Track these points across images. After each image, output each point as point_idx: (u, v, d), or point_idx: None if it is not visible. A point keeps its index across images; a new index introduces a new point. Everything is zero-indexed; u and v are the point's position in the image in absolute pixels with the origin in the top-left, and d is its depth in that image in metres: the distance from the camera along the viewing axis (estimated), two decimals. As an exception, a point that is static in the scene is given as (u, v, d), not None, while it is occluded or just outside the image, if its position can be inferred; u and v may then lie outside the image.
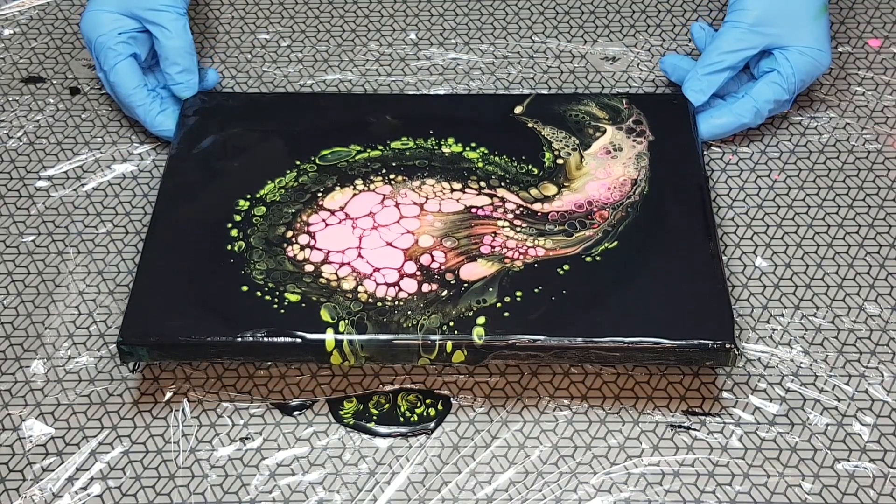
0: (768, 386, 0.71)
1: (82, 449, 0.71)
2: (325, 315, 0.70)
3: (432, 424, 0.71)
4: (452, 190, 0.77)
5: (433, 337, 0.69)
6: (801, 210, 0.79)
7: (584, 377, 0.72)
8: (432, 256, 0.73)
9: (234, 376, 0.73)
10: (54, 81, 0.90)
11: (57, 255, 0.80)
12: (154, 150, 0.85)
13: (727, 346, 0.68)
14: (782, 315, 0.74)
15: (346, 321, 0.70)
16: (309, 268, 0.73)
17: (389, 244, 0.74)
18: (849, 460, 0.68)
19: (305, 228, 0.75)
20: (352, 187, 0.77)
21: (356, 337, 0.69)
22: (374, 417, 0.71)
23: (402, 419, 0.71)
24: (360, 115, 0.82)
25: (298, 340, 0.69)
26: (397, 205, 0.76)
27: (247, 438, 0.71)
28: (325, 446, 0.70)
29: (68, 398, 0.73)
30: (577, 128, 0.81)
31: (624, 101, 0.82)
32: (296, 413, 0.72)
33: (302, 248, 0.74)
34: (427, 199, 0.77)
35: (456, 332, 0.69)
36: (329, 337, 0.69)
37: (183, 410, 0.72)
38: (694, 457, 0.69)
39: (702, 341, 0.68)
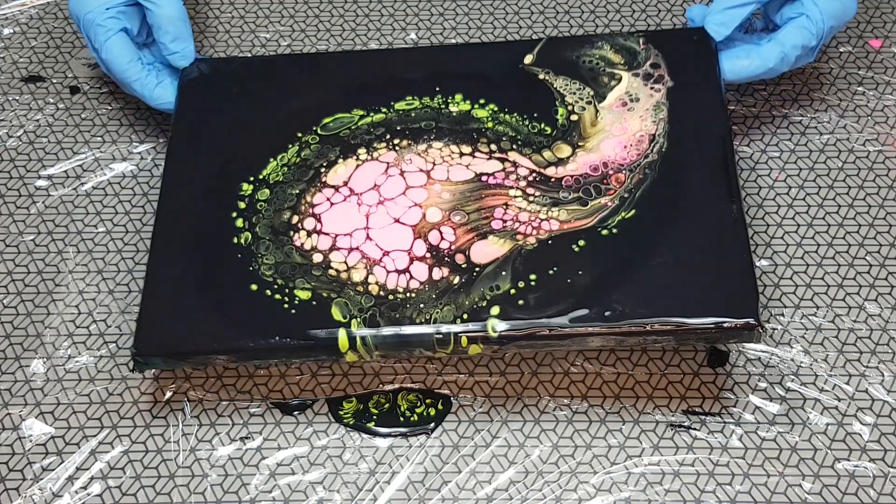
0: (768, 385, 0.71)
1: (82, 448, 0.71)
2: (336, 313, 0.69)
3: (432, 424, 0.71)
4: (462, 154, 0.75)
5: (447, 331, 0.67)
6: (801, 210, 0.79)
7: (584, 377, 0.72)
8: (441, 234, 0.71)
9: (234, 376, 0.73)
10: (54, 81, 0.90)
11: (57, 254, 0.80)
12: (154, 150, 0.85)
13: (751, 323, 0.65)
14: (782, 315, 0.74)
15: (358, 319, 0.68)
16: (317, 257, 0.71)
17: (397, 220, 0.72)
18: (849, 460, 0.68)
19: (310, 211, 0.73)
20: (355, 157, 0.75)
21: (370, 336, 0.67)
22: (374, 417, 0.71)
23: (402, 419, 0.71)
24: (363, 74, 0.79)
25: (312, 342, 0.68)
26: (402, 173, 0.74)
27: (247, 438, 0.71)
28: (325, 446, 0.70)
29: (68, 398, 0.73)
30: (591, 76, 0.77)
31: (641, 42, 0.78)
32: (296, 413, 0.72)
33: (309, 234, 0.72)
34: (434, 164, 0.74)
35: (470, 325, 0.67)
36: (342, 336, 0.68)
37: (183, 410, 0.72)
38: (694, 456, 0.69)
39: (724, 320, 0.65)
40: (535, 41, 0.80)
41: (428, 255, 0.71)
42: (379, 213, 0.73)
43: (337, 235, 0.72)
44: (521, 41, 0.81)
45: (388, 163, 0.75)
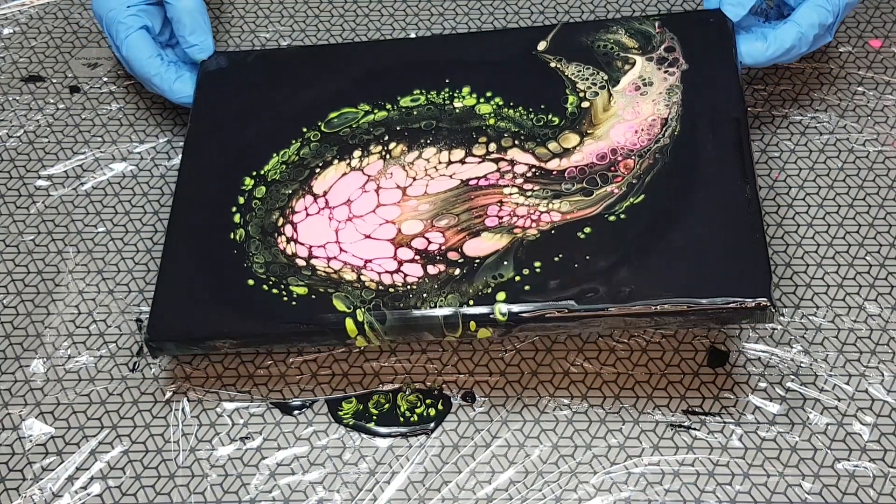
0: (768, 385, 0.71)
1: (82, 448, 0.71)
2: (339, 305, 0.68)
3: (432, 424, 0.71)
4: (450, 163, 0.73)
5: (453, 312, 0.66)
6: (800, 209, 0.79)
7: (584, 377, 0.72)
8: (427, 239, 0.70)
9: (234, 376, 0.73)
10: (54, 80, 0.90)
11: (57, 254, 0.80)
12: (154, 150, 0.85)
13: (763, 304, 0.64)
14: (782, 315, 0.74)
15: (363, 309, 0.68)
16: (300, 262, 0.71)
17: (368, 236, 0.71)
18: (849, 460, 0.68)
19: (291, 217, 0.73)
20: (346, 163, 0.75)
21: (377, 321, 0.67)
22: (374, 417, 0.71)
23: (402, 419, 0.71)
24: (377, 63, 0.79)
25: (321, 328, 0.68)
26: (378, 189, 0.73)
27: (247, 438, 0.71)
28: (325, 446, 0.70)
29: (68, 398, 0.73)
30: (605, 60, 0.76)
31: (656, 25, 0.77)
32: (296, 412, 0.72)
33: (288, 240, 0.72)
34: (414, 179, 0.73)
35: (478, 309, 0.66)
36: (350, 323, 0.67)
37: (183, 410, 0.72)
38: (694, 456, 0.69)
39: (736, 299, 0.64)
40: (550, 27, 0.79)
41: (417, 257, 0.70)
42: (348, 229, 0.72)
43: (311, 246, 0.72)
44: (535, 27, 0.80)
45: (369, 176, 0.74)
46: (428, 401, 0.72)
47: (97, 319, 0.76)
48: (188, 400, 0.73)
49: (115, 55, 0.85)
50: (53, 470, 0.70)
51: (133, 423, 0.72)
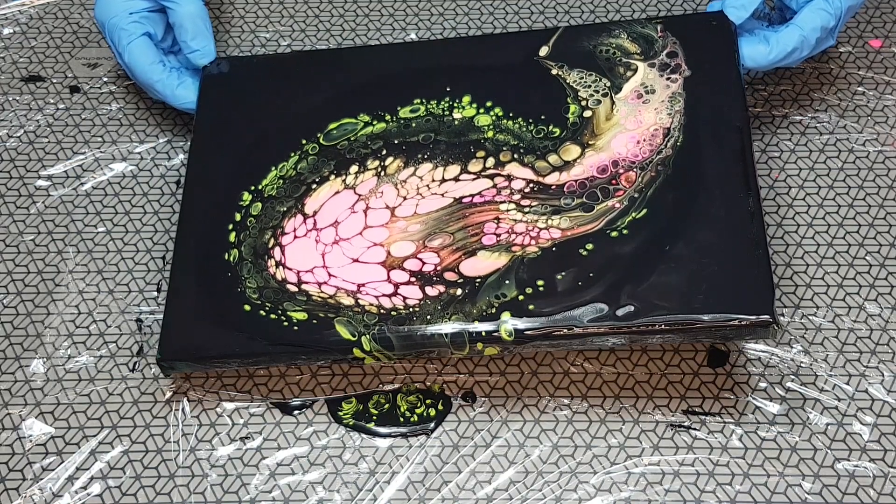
0: (768, 386, 0.71)
1: (82, 448, 0.71)
2: (343, 332, 0.67)
3: (432, 424, 0.71)
4: (443, 181, 0.72)
5: (461, 330, 0.66)
6: (800, 209, 0.79)
7: (584, 377, 0.72)
8: (421, 260, 0.69)
9: (234, 376, 0.73)
10: (54, 80, 0.90)
11: (57, 254, 0.80)
12: (154, 150, 0.85)
13: (767, 320, 0.64)
14: (782, 315, 0.74)
15: (367, 335, 0.67)
16: (292, 287, 0.70)
17: (356, 260, 0.70)
18: (849, 460, 0.68)
19: (280, 239, 0.72)
20: (342, 179, 0.74)
21: (384, 349, 0.67)
22: (374, 418, 0.71)
23: (402, 419, 0.71)
24: (379, 70, 0.79)
25: (328, 348, 0.68)
26: (366, 210, 0.72)
27: (247, 438, 0.71)
28: (325, 446, 0.70)
29: (68, 398, 0.73)
30: (607, 66, 0.75)
31: (658, 29, 0.76)
32: (296, 412, 0.72)
33: (277, 264, 0.71)
34: (405, 199, 0.72)
35: (483, 332, 0.66)
36: (357, 351, 0.67)
37: (183, 410, 0.72)
38: (694, 456, 0.69)
39: (739, 317, 0.64)
40: (552, 30, 0.78)
41: (413, 279, 0.69)
42: (334, 253, 0.71)
43: (299, 272, 0.71)
44: (538, 31, 0.79)
45: (359, 195, 0.73)
46: (428, 401, 0.72)
47: (97, 319, 0.76)
48: (188, 400, 0.73)
49: (119, 62, 0.85)
50: (53, 470, 0.70)
51: (133, 423, 0.72)
